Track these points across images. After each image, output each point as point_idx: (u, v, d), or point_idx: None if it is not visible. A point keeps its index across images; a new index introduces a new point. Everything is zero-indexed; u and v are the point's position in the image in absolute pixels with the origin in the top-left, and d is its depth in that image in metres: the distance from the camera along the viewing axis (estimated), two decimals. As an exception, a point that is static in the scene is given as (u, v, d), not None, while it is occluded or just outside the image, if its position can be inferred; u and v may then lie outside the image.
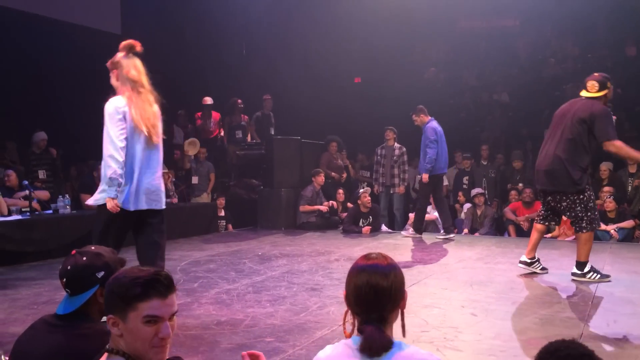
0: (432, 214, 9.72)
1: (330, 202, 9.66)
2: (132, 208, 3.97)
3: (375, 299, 1.71)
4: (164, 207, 4.15)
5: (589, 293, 4.93)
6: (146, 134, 3.93)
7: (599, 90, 5.26)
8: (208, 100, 11.09)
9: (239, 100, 11.16)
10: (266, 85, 11.98)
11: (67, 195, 7.24)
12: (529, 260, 5.63)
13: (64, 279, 2.12)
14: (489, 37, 14.14)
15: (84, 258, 2.12)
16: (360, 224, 9.12)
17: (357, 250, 7.35)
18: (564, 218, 8.57)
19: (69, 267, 2.11)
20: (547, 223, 5.75)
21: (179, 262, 6.50)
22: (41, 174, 7.64)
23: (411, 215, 9.58)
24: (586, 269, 5.35)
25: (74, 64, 10.27)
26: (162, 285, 1.65)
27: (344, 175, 10.60)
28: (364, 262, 1.78)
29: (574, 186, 5.20)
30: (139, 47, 4.04)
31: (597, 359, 1.45)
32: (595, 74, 5.42)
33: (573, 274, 5.40)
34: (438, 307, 4.44)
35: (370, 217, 9.15)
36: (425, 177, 8.33)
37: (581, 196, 5.23)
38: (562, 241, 8.28)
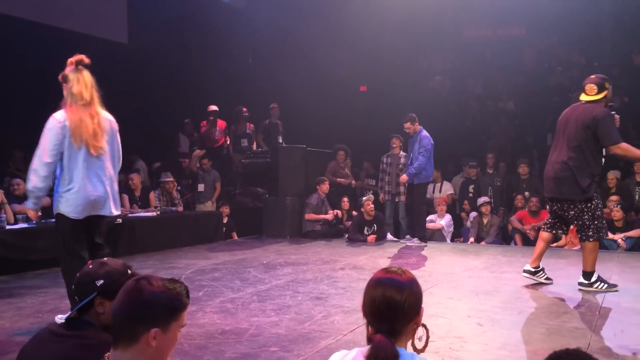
0: (437, 222, 9.69)
1: (335, 211, 9.65)
2: (76, 216, 4.14)
3: (388, 312, 1.73)
4: (111, 213, 4.33)
5: (595, 303, 4.89)
6: (85, 145, 4.10)
7: (598, 93, 5.21)
8: (213, 107, 11.12)
9: (244, 109, 11.19)
10: (272, 94, 12.02)
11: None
12: (532, 269, 5.57)
13: (73, 286, 2.17)
14: (495, 46, 14.16)
15: (90, 266, 2.16)
16: (365, 231, 9.10)
17: (362, 259, 7.33)
18: (572, 227, 8.60)
19: (77, 275, 2.17)
20: (554, 231, 5.64)
21: (184, 271, 6.49)
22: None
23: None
24: (593, 279, 5.28)
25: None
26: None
27: (353, 181, 10.59)
28: (382, 275, 1.81)
29: (582, 194, 5.13)
30: (86, 60, 4.21)
31: None
32: (592, 76, 5.35)
33: (580, 284, 5.35)
34: (444, 317, 4.41)
35: (375, 225, 9.13)
36: (405, 178, 8.80)
37: (589, 204, 5.16)
38: (569, 250, 8.23)
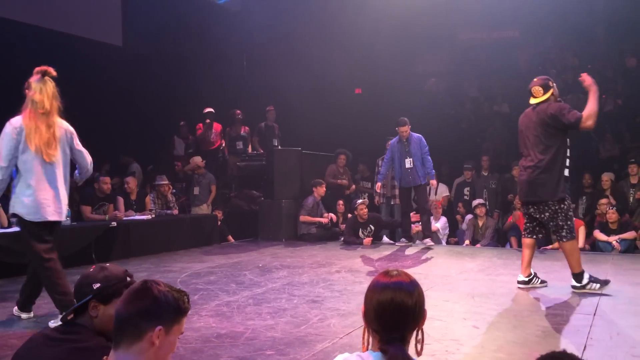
0: (433, 224, 9.69)
1: (330, 215, 9.62)
2: (31, 219, 4.33)
3: (399, 317, 1.69)
4: (60, 219, 4.49)
5: (591, 305, 4.90)
6: (38, 151, 4.30)
7: (544, 93, 5.37)
8: (209, 109, 11.10)
9: (238, 112, 11.17)
10: (267, 97, 12.02)
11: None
12: (526, 279, 5.58)
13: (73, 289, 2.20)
14: (490, 49, 14.21)
15: (91, 269, 2.18)
16: (360, 234, 9.10)
17: (357, 262, 7.32)
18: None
19: (79, 276, 2.20)
20: (534, 236, 5.62)
21: (179, 274, 6.47)
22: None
23: (412, 227, 9.57)
24: (584, 281, 5.30)
25: (74, 75, 10.28)
26: None
27: (353, 186, 10.59)
28: (387, 279, 1.75)
29: (555, 195, 5.22)
30: (52, 72, 4.46)
31: None
32: (535, 79, 5.53)
33: (573, 287, 5.37)
34: (440, 320, 4.41)
35: (371, 226, 9.13)
36: (434, 182, 9.02)
37: (562, 205, 5.25)
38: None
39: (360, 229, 9.12)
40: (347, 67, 12.88)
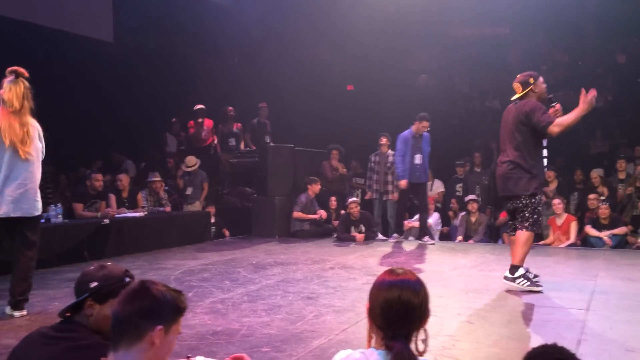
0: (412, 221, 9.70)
1: (321, 211, 9.59)
2: None
3: (405, 315, 1.71)
4: (33, 214, 4.56)
5: (584, 300, 4.94)
6: (12, 147, 4.41)
7: (523, 90, 5.38)
8: (200, 106, 11.06)
9: (230, 108, 11.13)
10: (259, 93, 12.00)
11: (59, 204, 7.18)
12: (511, 275, 5.42)
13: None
14: (481, 45, 14.22)
15: (91, 267, 2.17)
16: (352, 231, 9.11)
17: (351, 258, 7.33)
18: (558, 224, 8.67)
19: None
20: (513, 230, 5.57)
21: (173, 272, 6.45)
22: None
23: (405, 223, 9.59)
24: (517, 274, 5.24)
25: (65, 71, 10.24)
26: None
27: (344, 188, 10.60)
28: (394, 277, 1.77)
29: (526, 190, 5.24)
30: (24, 72, 4.55)
31: None
32: (518, 75, 5.53)
33: (505, 277, 5.33)
34: (434, 315, 4.36)
35: (362, 225, 9.15)
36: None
37: (532, 200, 5.25)
38: (556, 248, 8.30)
39: (352, 227, 9.14)
40: (339, 64, 12.86)
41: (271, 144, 10.58)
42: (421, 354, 1.76)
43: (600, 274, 5.91)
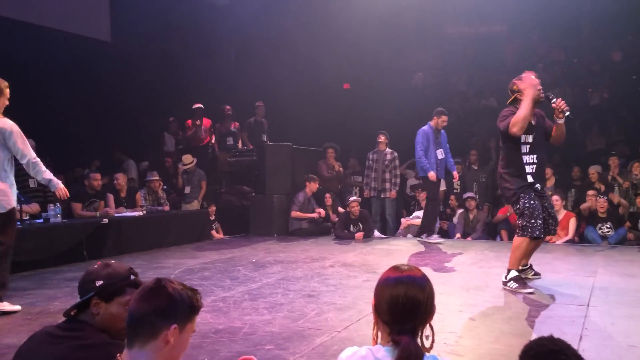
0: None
1: (319, 209, 9.59)
2: None
3: (412, 311, 1.73)
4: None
5: (584, 296, 4.96)
6: None
7: (511, 95, 5.26)
8: (198, 105, 11.04)
9: (228, 107, 11.13)
10: (255, 92, 11.98)
11: (57, 204, 7.16)
12: (504, 279, 5.40)
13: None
14: (477, 43, 14.25)
15: (95, 266, 2.15)
16: (351, 229, 9.12)
17: (350, 256, 7.34)
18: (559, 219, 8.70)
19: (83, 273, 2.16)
20: None
21: (173, 270, 6.45)
22: (32, 183, 7.54)
23: (404, 221, 9.61)
24: (508, 277, 5.24)
25: (63, 71, 10.21)
26: None
27: (339, 186, 10.58)
28: (399, 274, 1.79)
29: (510, 196, 5.26)
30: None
31: (569, 354, 1.45)
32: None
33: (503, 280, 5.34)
34: (436, 312, 4.42)
35: (360, 223, 9.16)
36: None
37: (517, 205, 5.19)
38: (554, 244, 8.33)
39: (352, 225, 9.15)
40: (336, 63, 12.85)
41: (268, 142, 10.57)
42: (427, 350, 1.77)
43: (600, 270, 5.94)
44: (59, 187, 5.06)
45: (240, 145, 11.05)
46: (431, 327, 1.81)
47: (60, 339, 2.08)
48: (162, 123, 11.77)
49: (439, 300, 4.93)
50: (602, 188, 9.16)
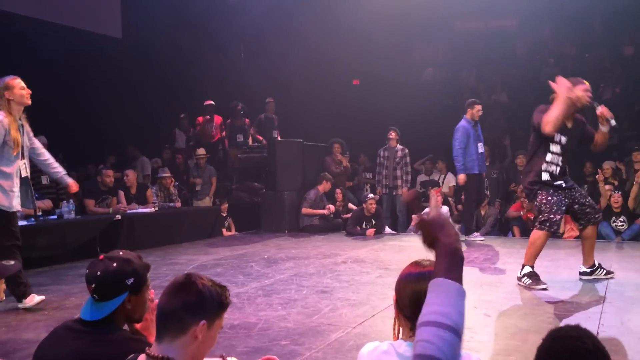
0: None
1: (330, 205, 9.58)
2: None
3: None
4: None
5: (599, 292, 4.94)
6: None
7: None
8: (209, 102, 11.08)
9: (239, 106, 11.14)
10: (266, 89, 11.99)
11: (71, 201, 7.20)
12: (588, 270, 5.47)
13: (93, 285, 2.09)
14: (487, 38, 14.17)
15: (114, 264, 2.09)
16: (363, 226, 9.12)
17: (362, 252, 7.35)
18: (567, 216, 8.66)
19: (98, 273, 2.07)
20: (580, 225, 5.49)
21: (186, 266, 6.48)
22: (44, 180, 7.60)
23: (415, 217, 9.57)
24: (522, 272, 5.23)
25: (74, 67, 10.26)
26: None
27: (350, 183, 10.57)
28: (421, 269, 1.79)
29: (529, 193, 5.35)
30: None
31: (588, 342, 1.44)
32: None
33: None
34: (450, 308, 4.42)
35: (373, 220, 9.16)
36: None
37: (535, 202, 5.30)
38: (567, 240, 8.30)
39: (365, 222, 9.15)
40: (345, 58, 12.85)
41: (279, 138, 10.58)
42: None
43: (614, 266, 5.90)
44: None
45: (250, 141, 11.07)
46: None
47: (80, 333, 2.08)
48: (173, 119, 11.82)
49: (453, 296, 4.90)
50: (616, 183, 9.10)
